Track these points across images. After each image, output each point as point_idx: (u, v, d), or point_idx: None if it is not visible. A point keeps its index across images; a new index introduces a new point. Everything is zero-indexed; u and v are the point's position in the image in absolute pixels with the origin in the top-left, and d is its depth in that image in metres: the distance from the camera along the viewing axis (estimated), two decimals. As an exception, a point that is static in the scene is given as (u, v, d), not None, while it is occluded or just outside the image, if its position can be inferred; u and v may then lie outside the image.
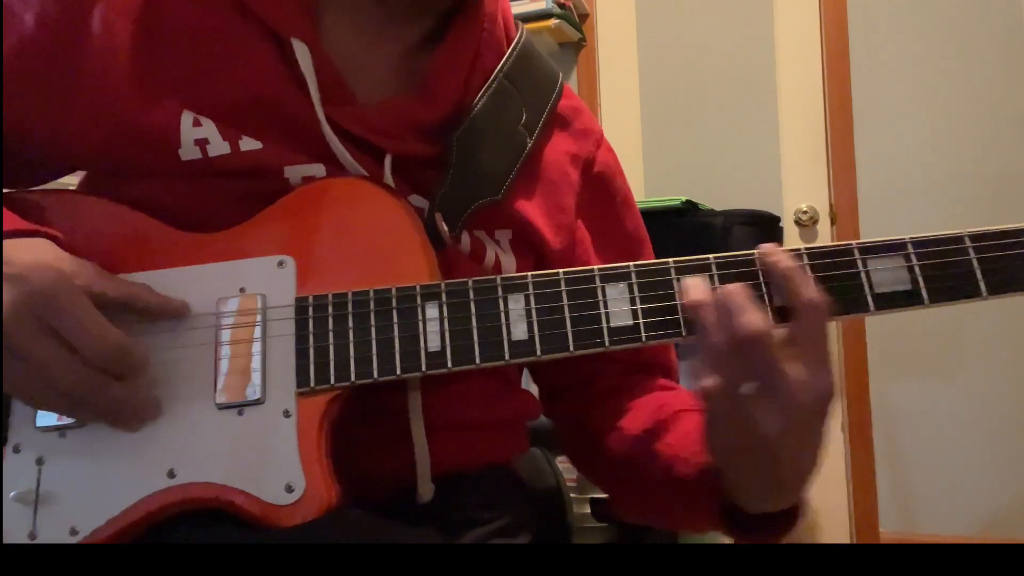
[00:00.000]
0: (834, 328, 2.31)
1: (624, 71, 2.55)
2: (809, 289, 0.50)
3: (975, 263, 0.52)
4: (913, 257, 0.52)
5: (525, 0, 2.37)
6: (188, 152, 0.58)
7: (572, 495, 0.88)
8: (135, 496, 0.51)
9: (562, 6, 2.41)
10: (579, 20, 2.54)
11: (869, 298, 0.52)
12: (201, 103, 0.58)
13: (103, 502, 0.51)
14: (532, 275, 0.53)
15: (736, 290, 0.49)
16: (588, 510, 1.88)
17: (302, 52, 0.58)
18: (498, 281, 0.53)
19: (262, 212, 0.57)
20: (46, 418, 0.52)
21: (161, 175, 0.59)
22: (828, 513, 2.29)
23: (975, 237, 0.52)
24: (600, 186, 0.71)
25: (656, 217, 1.91)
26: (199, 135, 0.58)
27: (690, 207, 1.90)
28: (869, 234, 2.26)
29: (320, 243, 0.56)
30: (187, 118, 0.58)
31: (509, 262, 0.64)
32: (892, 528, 2.23)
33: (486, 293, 0.53)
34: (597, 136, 0.73)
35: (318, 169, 0.59)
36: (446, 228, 0.59)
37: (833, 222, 2.32)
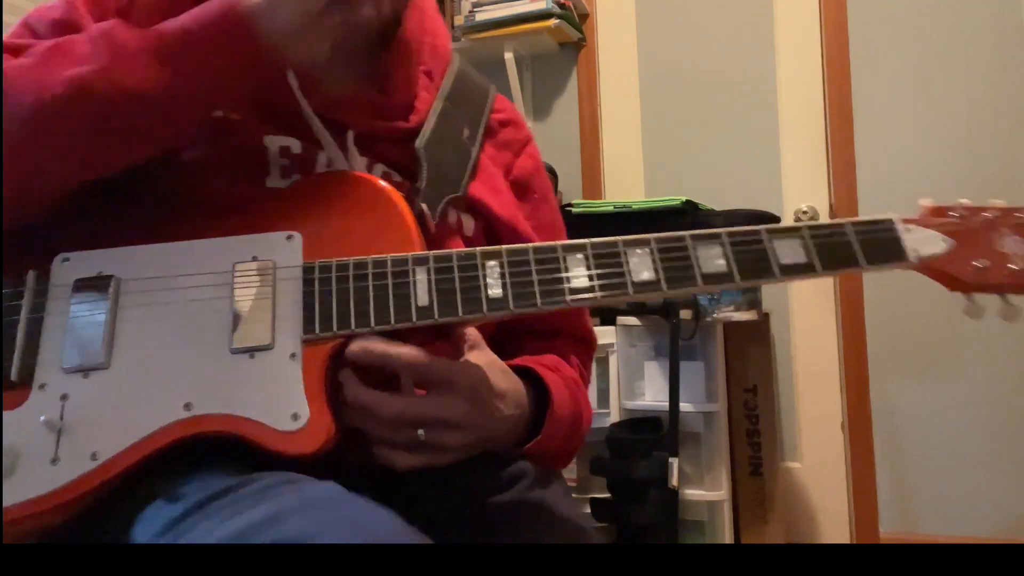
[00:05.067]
0: (834, 328, 2.31)
1: (624, 71, 2.55)
2: (405, 360, 0.59)
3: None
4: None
5: (525, 0, 2.37)
6: None
7: (572, 495, 0.88)
8: (154, 425, 0.55)
9: (562, 6, 2.41)
10: (579, 20, 2.54)
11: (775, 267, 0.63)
12: None
13: (123, 430, 0.55)
14: (506, 248, 0.62)
15: (360, 395, 0.59)
16: (588, 510, 1.88)
17: None
18: (477, 251, 0.62)
19: (272, 195, 0.66)
20: (71, 358, 0.57)
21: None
22: (828, 513, 2.30)
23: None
24: (519, 187, 0.85)
25: (656, 217, 1.91)
26: None
27: (690, 207, 1.90)
28: (869, 234, 2.26)
29: (324, 222, 0.64)
30: None
31: (469, 222, 0.78)
32: (892, 528, 2.24)
33: (467, 259, 0.62)
34: (517, 146, 0.88)
35: (292, 142, 0.69)
36: (430, 214, 0.70)
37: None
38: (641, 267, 0.61)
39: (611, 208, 1.96)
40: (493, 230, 0.79)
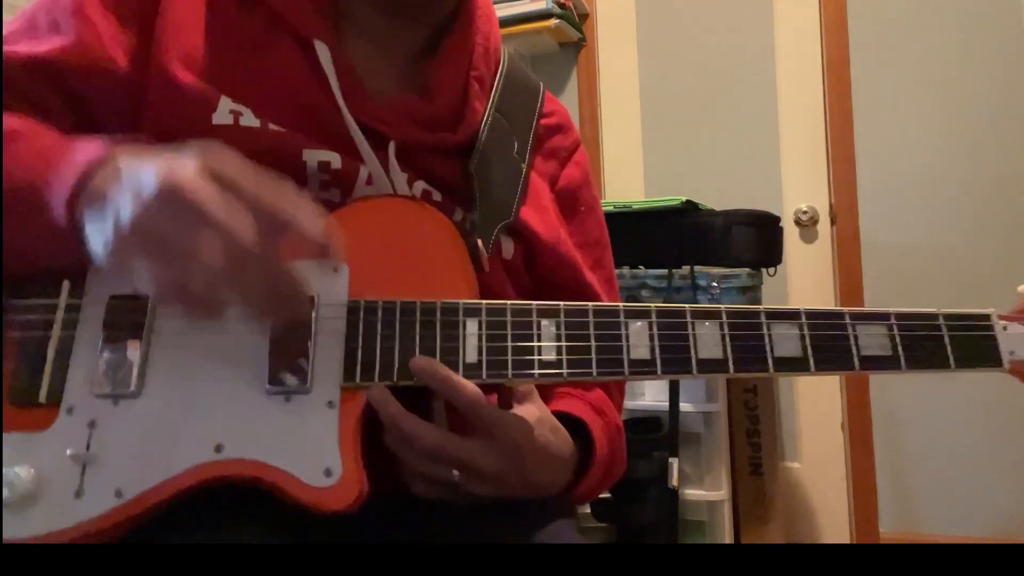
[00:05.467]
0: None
1: (624, 71, 2.55)
2: (462, 395, 0.56)
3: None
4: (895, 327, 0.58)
5: (525, 0, 2.37)
6: (221, 117, 0.63)
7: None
8: (182, 465, 0.53)
9: (562, 6, 2.41)
10: (579, 20, 2.54)
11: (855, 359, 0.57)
12: (239, 92, 0.64)
13: (150, 468, 0.53)
14: (564, 305, 0.58)
15: (401, 420, 0.56)
16: (588, 510, 1.88)
17: (323, 52, 0.66)
18: (533, 306, 0.58)
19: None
20: (102, 384, 0.55)
21: (191, 139, 0.60)
22: (828, 513, 2.29)
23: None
24: (565, 199, 0.80)
25: (656, 217, 1.91)
26: (234, 108, 0.64)
27: (690, 207, 1.90)
28: (869, 234, 2.26)
29: (372, 255, 0.60)
30: (225, 100, 0.64)
31: (509, 245, 0.73)
32: (892, 528, 2.24)
33: (522, 315, 0.58)
34: (564, 154, 0.82)
35: (332, 156, 0.65)
36: (484, 250, 0.66)
37: (833, 222, 2.32)
38: (708, 342, 0.56)
39: (611, 208, 1.95)
40: (534, 252, 0.74)
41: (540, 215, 0.75)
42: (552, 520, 0.67)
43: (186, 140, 0.61)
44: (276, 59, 0.67)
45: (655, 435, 1.86)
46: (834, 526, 2.29)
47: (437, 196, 0.69)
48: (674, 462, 1.78)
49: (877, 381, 2.24)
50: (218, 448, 0.54)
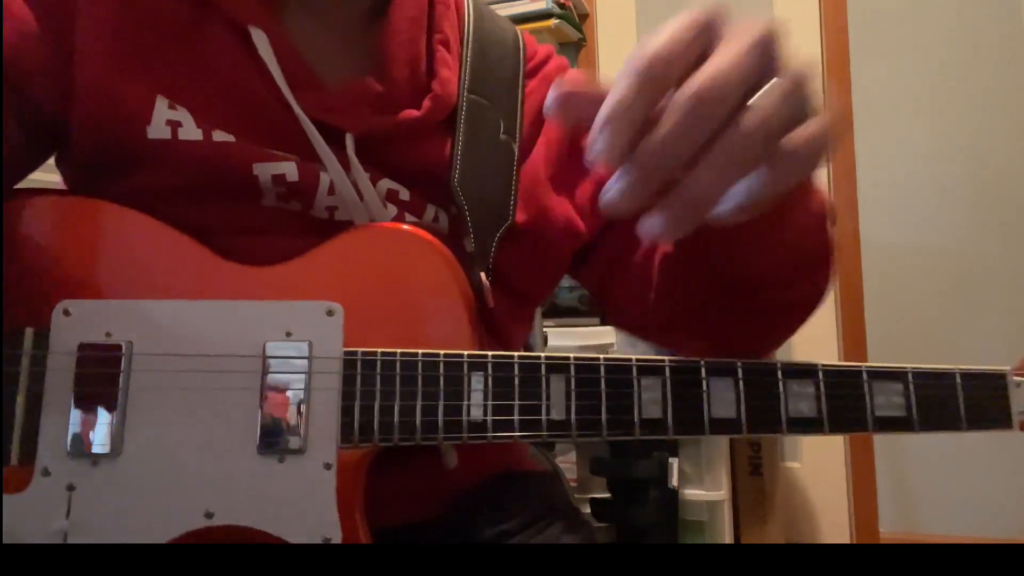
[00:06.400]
0: (834, 326, 2.31)
1: (624, 71, 2.55)
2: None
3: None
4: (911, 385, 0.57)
5: (525, 0, 2.37)
6: (157, 131, 0.56)
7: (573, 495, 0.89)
8: (169, 534, 0.50)
9: (562, 6, 2.41)
10: (579, 20, 2.54)
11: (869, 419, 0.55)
12: (176, 91, 0.57)
13: (136, 538, 0.50)
14: (575, 358, 0.54)
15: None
16: (588, 510, 1.89)
17: (260, 40, 0.58)
18: (542, 359, 0.54)
19: (310, 252, 0.56)
20: (77, 443, 0.51)
21: (128, 156, 0.57)
22: (828, 513, 2.29)
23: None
24: (564, 145, 0.68)
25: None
26: (172, 117, 0.57)
27: (690, 207, 1.89)
28: (869, 234, 2.26)
29: (368, 294, 0.55)
30: (162, 102, 0.57)
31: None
32: (892, 528, 2.24)
33: (530, 370, 0.54)
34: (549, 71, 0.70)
35: (287, 167, 0.58)
36: (488, 286, 0.59)
37: (833, 222, 2.31)
38: (720, 400, 0.53)
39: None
40: (540, 241, 0.66)
41: (541, 198, 0.66)
42: (555, 521, 0.66)
43: (121, 155, 0.56)
44: (212, 52, 0.58)
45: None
46: (834, 526, 2.29)
47: (404, 195, 0.61)
48: (674, 462, 1.78)
49: (877, 381, 2.24)
50: (208, 515, 0.50)
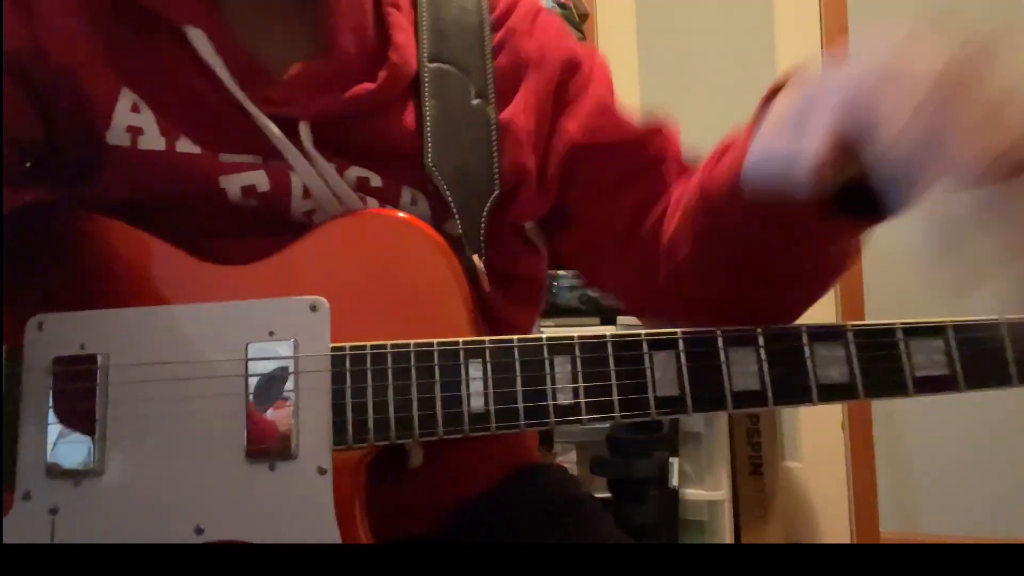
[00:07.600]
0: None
1: (624, 71, 2.55)
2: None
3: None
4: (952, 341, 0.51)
5: (525, 0, 2.37)
6: (115, 136, 0.54)
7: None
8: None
9: (562, 6, 2.41)
10: (579, 20, 2.54)
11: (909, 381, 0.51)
12: (140, 86, 0.55)
13: None
14: (579, 337, 0.51)
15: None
16: (588, 510, 1.89)
17: (199, 39, 0.54)
18: (543, 340, 0.51)
19: (291, 245, 0.53)
20: (57, 463, 0.49)
21: (91, 160, 0.55)
22: (828, 513, 2.29)
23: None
24: (545, 97, 0.63)
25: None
26: (134, 122, 0.54)
27: (690, 207, 1.89)
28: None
29: (354, 285, 0.52)
30: (125, 100, 0.54)
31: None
32: (892, 528, 2.24)
33: (532, 353, 0.50)
34: (522, 34, 0.64)
35: (256, 177, 0.55)
36: (484, 271, 0.56)
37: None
38: (744, 369, 0.49)
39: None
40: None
41: (526, 162, 0.61)
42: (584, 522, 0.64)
43: (83, 158, 0.54)
44: (163, 56, 0.55)
45: (655, 435, 1.86)
46: (834, 526, 2.28)
47: (376, 181, 0.57)
48: (674, 462, 1.78)
49: (877, 381, 2.24)
50: (198, 530, 0.48)
